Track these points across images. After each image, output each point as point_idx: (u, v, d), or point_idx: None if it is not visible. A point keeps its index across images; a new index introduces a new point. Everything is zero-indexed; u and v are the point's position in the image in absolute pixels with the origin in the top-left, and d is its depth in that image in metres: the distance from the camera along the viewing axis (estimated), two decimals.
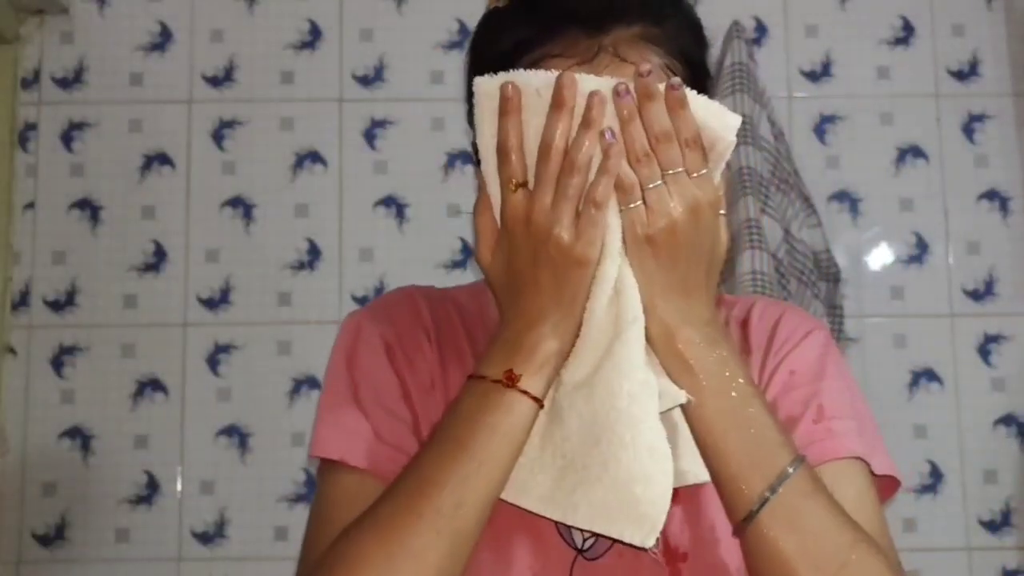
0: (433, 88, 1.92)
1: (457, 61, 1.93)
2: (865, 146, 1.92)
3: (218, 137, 1.90)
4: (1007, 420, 1.86)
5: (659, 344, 0.79)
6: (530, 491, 0.80)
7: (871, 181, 1.91)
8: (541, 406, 0.79)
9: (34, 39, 1.91)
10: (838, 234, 1.88)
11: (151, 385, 1.84)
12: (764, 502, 0.77)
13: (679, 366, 0.79)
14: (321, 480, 0.88)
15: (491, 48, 0.87)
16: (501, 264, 0.80)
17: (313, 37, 1.93)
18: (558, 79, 0.76)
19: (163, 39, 1.92)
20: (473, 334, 0.92)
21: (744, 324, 0.94)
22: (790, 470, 0.77)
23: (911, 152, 1.92)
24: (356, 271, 1.87)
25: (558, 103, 0.76)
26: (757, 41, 1.93)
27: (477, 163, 0.84)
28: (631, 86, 0.76)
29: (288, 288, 1.87)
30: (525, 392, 0.78)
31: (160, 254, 1.87)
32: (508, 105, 0.78)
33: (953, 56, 1.94)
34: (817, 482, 0.79)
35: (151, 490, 1.81)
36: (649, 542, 0.77)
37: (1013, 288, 1.89)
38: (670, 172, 0.76)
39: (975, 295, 1.89)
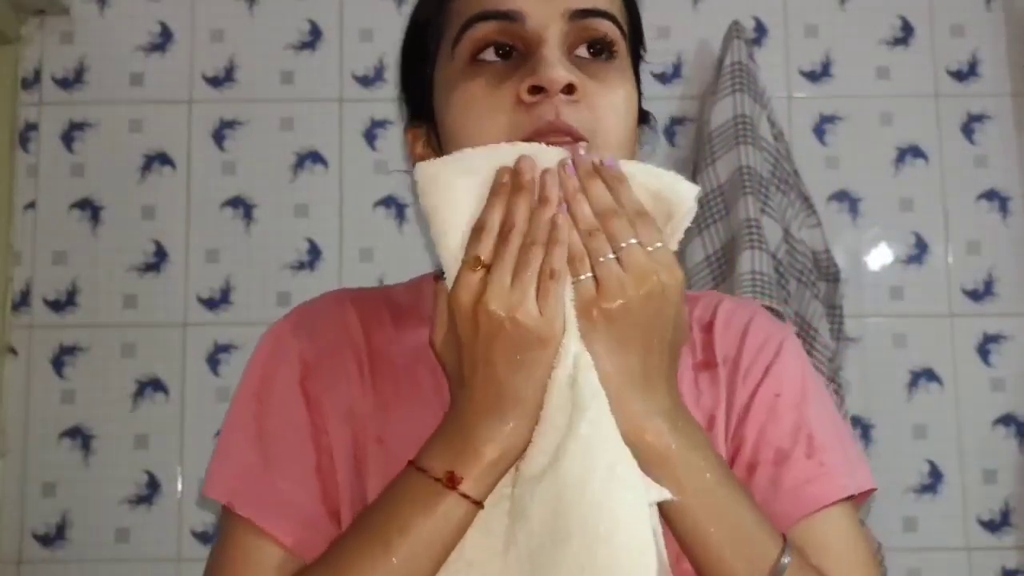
0: None
1: None
2: (865, 146, 1.92)
3: (218, 137, 1.90)
4: (1007, 420, 1.86)
5: (630, 437, 0.74)
6: None
7: (871, 181, 1.91)
8: (481, 507, 0.74)
9: (34, 39, 1.91)
10: (838, 234, 1.88)
11: (151, 385, 1.84)
12: None
13: (654, 459, 0.74)
14: (222, 522, 0.84)
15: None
16: (453, 349, 0.74)
17: (313, 37, 1.93)
18: (517, 162, 0.74)
19: (163, 39, 1.92)
20: (407, 338, 0.87)
21: (708, 328, 0.90)
22: (784, 561, 0.75)
23: (911, 152, 1.92)
24: (356, 271, 1.87)
25: (519, 185, 0.73)
26: (757, 41, 1.93)
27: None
28: (568, 162, 0.74)
29: (288, 288, 1.87)
30: (465, 496, 0.73)
31: (160, 254, 1.87)
32: (502, 191, 0.74)
33: (953, 56, 1.94)
34: (806, 568, 0.77)
35: (151, 490, 1.82)
36: None
37: (1013, 288, 1.89)
38: (623, 245, 0.72)
39: (975, 295, 1.89)
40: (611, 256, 0.72)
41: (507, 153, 0.75)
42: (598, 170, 0.74)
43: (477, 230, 0.74)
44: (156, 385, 1.84)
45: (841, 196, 1.91)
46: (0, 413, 1.82)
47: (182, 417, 1.83)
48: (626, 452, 0.73)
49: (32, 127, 1.89)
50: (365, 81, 1.92)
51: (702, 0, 1.92)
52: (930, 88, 1.94)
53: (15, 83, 1.89)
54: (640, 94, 0.88)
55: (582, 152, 0.75)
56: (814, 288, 1.75)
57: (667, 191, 0.75)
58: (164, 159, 1.89)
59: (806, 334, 1.70)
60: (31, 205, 1.88)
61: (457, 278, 0.73)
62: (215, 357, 1.85)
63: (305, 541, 0.80)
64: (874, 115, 1.93)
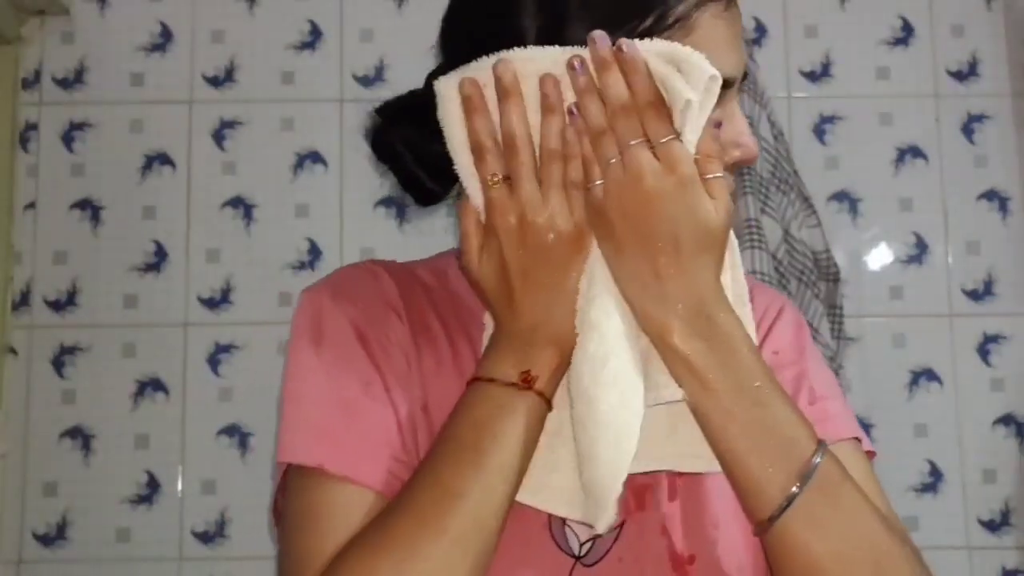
0: None
1: None
2: (864, 146, 1.92)
3: (219, 137, 1.90)
4: (1006, 420, 1.86)
5: (653, 339, 0.75)
6: (546, 493, 0.77)
7: (870, 181, 1.92)
8: (551, 408, 0.76)
9: (35, 39, 1.91)
10: (838, 234, 1.88)
11: (152, 385, 1.84)
12: (788, 502, 0.72)
13: (677, 362, 0.74)
14: (298, 489, 0.80)
15: None
16: (492, 265, 0.76)
17: (313, 38, 1.93)
18: (494, 68, 0.75)
19: (164, 39, 1.92)
20: (442, 314, 0.87)
21: None
22: (816, 460, 0.72)
23: (910, 152, 1.92)
24: None
25: (504, 93, 0.75)
26: (757, 41, 1.93)
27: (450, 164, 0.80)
28: (586, 58, 0.73)
29: (289, 288, 1.87)
30: (541, 394, 0.75)
31: (161, 254, 1.87)
32: (471, 103, 0.76)
33: (952, 56, 1.94)
34: (843, 473, 0.74)
35: (152, 490, 1.82)
36: (602, 528, 0.74)
37: (1012, 288, 1.89)
38: (631, 143, 0.72)
39: (974, 295, 1.89)
40: (617, 159, 0.72)
41: (510, 59, 0.75)
42: (616, 58, 0.73)
43: (474, 147, 0.76)
44: (156, 385, 1.84)
45: (841, 196, 1.91)
46: (0, 413, 1.82)
47: (183, 417, 1.83)
48: (625, 350, 0.74)
49: (32, 127, 1.89)
50: (365, 81, 1.92)
51: None
52: (930, 88, 1.94)
53: (15, 83, 1.89)
54: None
55: (598, 41, 0.73)
56: (814, 288, 1.75)
57: (674, 79, 0.72)
58: (164, 159, 1.89)
59: None
60: (31, 205, 1.88)
61: (489, 198, 0.75)
62: (215, 357, 1.85)
63: (397, 484, 0.78)
64: (874, 115, 1.93)
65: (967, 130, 1.93)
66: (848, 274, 1.87)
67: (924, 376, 1.87)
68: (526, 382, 0.75)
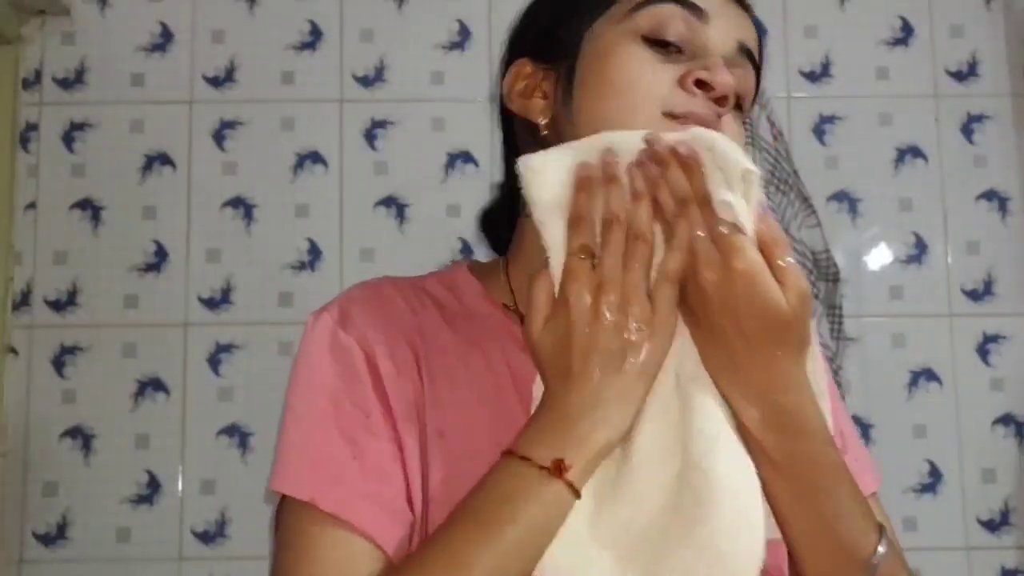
0: (433, 88, 1.92)
1: (458, 61, 1.93)
2: (864, 146, 1.92)
3: (219, 137, 1.90)
4: (1006, 420, 1.86)
5: (735, 422, 0.75)
6: (593, 570, 0.74)
7: (870, 181, 1.92)
8: (578, 497, 0.74)
9: (35, 40, 1.91)
10: (837, 234, 1.88)
11: (152, 385, 1.84)
12: None
13: (751, 444, 0.74)
14: (290, 517, 0.79)
15: None
16: (556, 336, 0.74)
17: (314, 38, 1.93)
18: (604, 155, 0.76)
19: (164, 40, 1.92)
20: (454, 327, 0.86)
21: None
22: (880, 549, 0.74)
23: (910, 152, 1.93)
24: (356, 271, 1.87)
25: (612, 176, 0.75)
26: None
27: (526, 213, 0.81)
28: (651, 154, 0.75)
29: (289, 288, 1.87)
30: (570, 484, 0.73)
31: (161, 254, 1.87)
32: (584, 184, 0.76)
33: (952, 57, 1.95)
34: (899, 554, 0.76)
35: (152, 489, 1.82)
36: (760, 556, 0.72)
37: (1012, 288, 1.89)
38: (698, 235, 0.73)
39: (974, 295, 1.89)
40: (682, 247, 0.73)
41: (601, 144, 0.77)
42: (675, 155, 0.74)
43: (576, 221, 0.75)
44: (157, 385, 1.84)
45: (841, 196, 1.91)
46: (1, 413, 1.82)
47: (183, 417, 1.83)
48: (729, 424, 0.74)
49: (33, 127, 1.89)
50: (365, 81, 1.93)
51: None
52: (930, 88, 1.94)
53: (16, 83, 1.89)
54: None
55: (657, 138, 0.75)
56: (814, 288, 1.75)
57: (720, 159, 0.75)
58: (165, 159, 1.89)
59: None
60: (32, 205, 1.88)
61: (569, 269, 0.74)
62: (216, 357, 1.85)
63: (389, 533, 0.77)
64: (874, 115, 1.93)
65: (967, 130, 1.93)
66: (848, 274, 1.87)
67: (924, 376, 1.87)
68: (558, 470, 0.73)
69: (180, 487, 1.82)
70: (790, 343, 0.73)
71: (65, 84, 1.91)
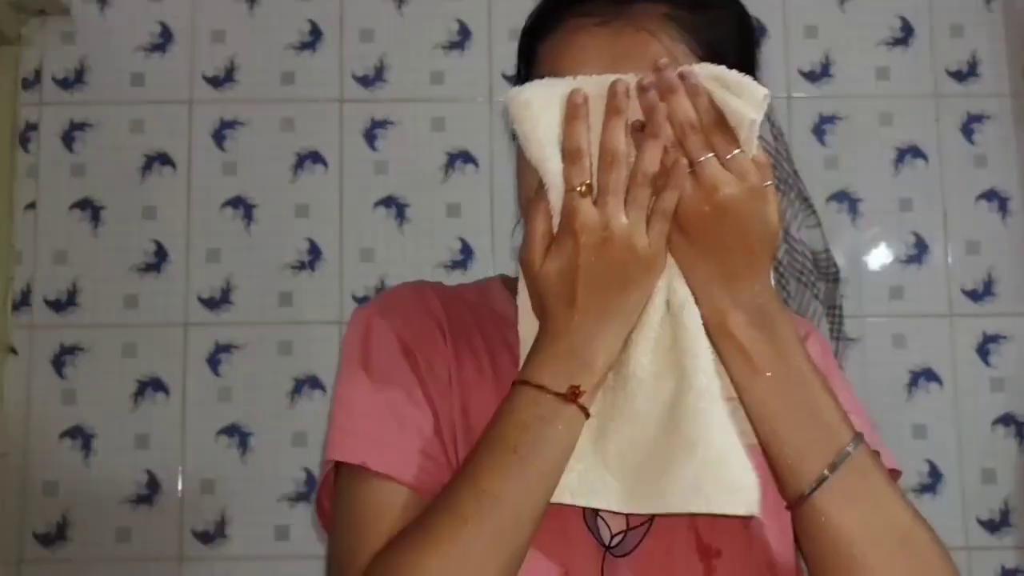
0: (433, 88, 1.92)
1: (457, 61, 1.93)
2: (864, 146, 1.92)
3: (219, 137, 1.90)
4: (1006, 420, 1.86)
5: (712, 329, 0.79)
6: (602, 492, 0.79)
7: (870, 181, 1.92)
8: (587, 418, 0.79)
9: (35, 40, 1.91)
10: (837, 234, 1.88)
11: (152, 385, 1.84)
12: (822, 480, 0.77)
13: (732, 348, 0.79)
14: (344, 485, 0.85)
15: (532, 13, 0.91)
16: (559, 266, 0.78)
17: (313, 38, 1.93)
18: (613, 85, 0.77)
19: (164, 40, 1.93)
20: (485, 329, 0.91)
21: None
22: (849, 449, 0.78)
23: (910, 152, 1.93)
24: (356, 271, 1.87)
25: (614, 110, 0.77)
26: (756, 42, 1.93)
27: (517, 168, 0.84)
28: (658, 79, 0.78)
29: (288, 288, 1.87)
30: (583, 408, 0.78)
31: (161, 254, 1.87)
32: (577, 111, 0.78)
33: (952, 57, 1.95)
34: (875, 460, 0.80)
35: (152, 490, 1.82)
36: (756, 509, 0.77)
37: (1012, 288, 1.89)
38: (700, 160, 0.76)
39: (974, 295, 1.89)
40: (688, 172, 0.77)
41: (593, 80, 0.79)
42: (681, 84, 0.77)
43: (572, 154, 0.77)
44: (157, 385, 1.84)
45: (841, 196, 1.91)
46: (0, 413, 1.82)
47: (183, 417, 1.83)
48: (712, 355, 0.79)
49: (32, 127, 1.89)
50: (365, 81, 1.93)
51: None
52: (930, 88, 1.94)
53: (16, 83, 1.89)
54: None
55: (664, 67, 0.78)
56: (814, 288, 1.75)
57: (733, 100, 0.77)
58: (164, 159, 1.89)
59: None
60: (32, 205, 1.88)
61: (573, 204, 0.77)
62: (216, 357, 1.85)
63: (434, 481, 0.82)
64: (874, 115, 1.93)
65: (967, 130, 1.93)
66: (848, 274, 1.87)
67: (924, 376, 1.87)
68: (573, 395, 0.77)
69: (180, 487, 1.82)
70: (773, 255, 0.80)
71: (65, 84, 1.91)
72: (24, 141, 1.89)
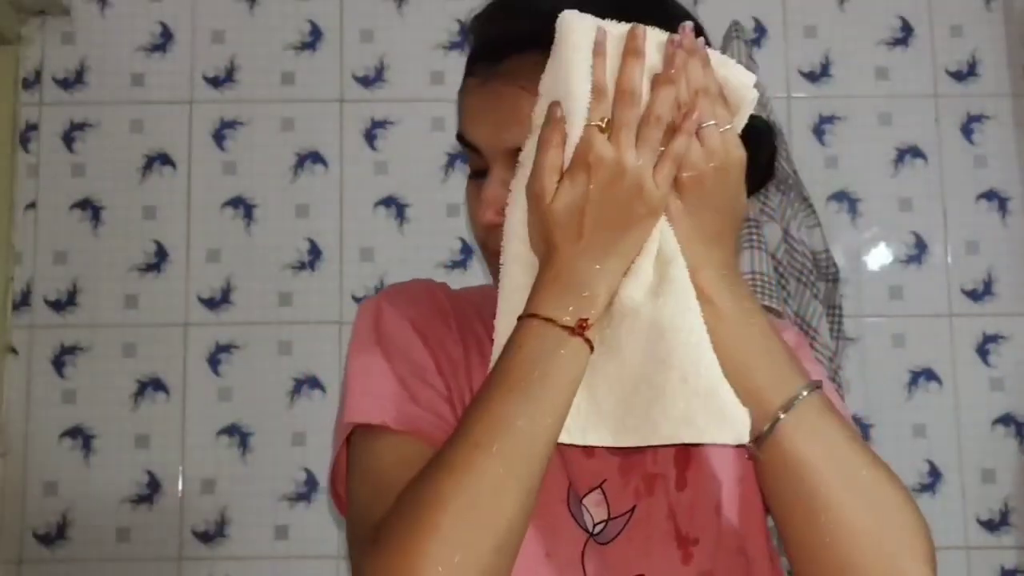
0: (433, 88, 1.92)
1: (457, 61, 1.92)
2: (864, 146, 1.92)
3: (219, 137, 1.90)
4: (1006, 420, 1.86)
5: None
6: (595, 429, 0.81)
7: (870, 181, 1.92)
8: (592, 349, 0.80)
9: (35, 40, 1.91)
10: (837, 234, 1.88)
11: (152, 385, 1.84)
12: (776, 421, 0.79)
13: (700, 299, 0.81)
14: (362, 448, 0.86)
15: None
16: (572, 197, 0.79)
17: (314, 38, 1.93)
18: (632, 29, 0.80)
19: (164, 40, 1.93)
20: (486, 318, 0.91)
21: None
22: (804, 393, 0.80)
23: (910, 152, 1.93)
24: (356, 271, 1.88)
25: (635, 51, 0.79)
26: (756, 42, 1.93)
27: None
28: (683, 39, 0.81)
29: (288, 288, 1.87)
30: (588, 341, 0.79)
31: (161, 254, 1.87)
32: (601, 48, 0.80)
33: (952, 57, 1.95)
34: (831, 404, 0.82)
35: (152, 489, 1.82)
36: (745, 438, 0.78)
37: (1012, 288, 1.89)
38: (705, 124, 0.79)
39: (974, 295, 1.89)
40: (693, 133, 0.80)
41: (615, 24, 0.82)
42: (698, 51, 0.81)
43: (599, 91, 0.79)
44: (157, 385, 1.84)
45: (841, 196, 1.91)
46: (1, 413, 1.82)
47: (183, 417, 1.83)
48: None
49: (33, 127, 1.90)
50: (365, 81, 1.93)
51: (702, 1, 1.92)
52: (929, 88, 1.94)
53: (16, 83, 1.89)
54: None
55: (689, 32, 0.81)
56: (814, 288, 1.75)
57: (732, 79, 0.84)
58: (165, 159, 1.90)
59: (806, 334, 1.70)
60: (32, 205, 1.88)
61: (591, 138, 0.78)
62: (216, 357, 1.85)
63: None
64: (873, 115, 1.93)
65: (967, 130, 1.93)
66: (848, 274, 1.87)
67: (923, 376, 1.87)
68: (581, 328, 0.79)
69: (180, 487, 1.82)
70: (740, 226, 0.86)
71: (65, 84, 1.91)
72: (24, 141, 1.89)
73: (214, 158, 1.90)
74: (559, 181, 0.79)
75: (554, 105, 0.80)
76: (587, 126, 0.79)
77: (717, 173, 0.80)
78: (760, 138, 0.88)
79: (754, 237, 1.67)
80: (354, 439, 0.87)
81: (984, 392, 1.87)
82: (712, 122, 0.80)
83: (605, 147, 0.78)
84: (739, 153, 0.81)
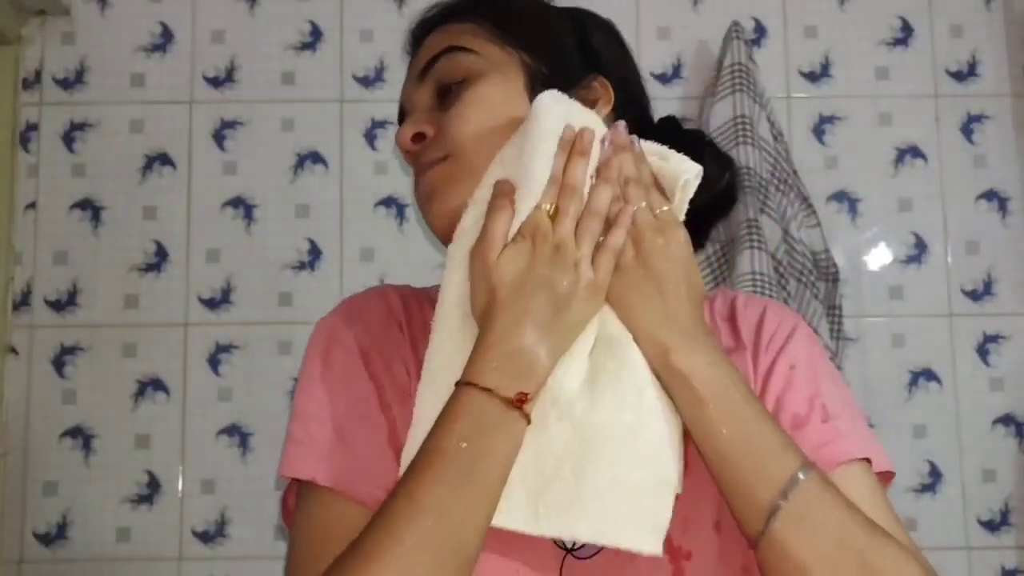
0: None
1: None
2: (864, 146, 1.92)
3: (219, 137, 1.90)
4: (1006, 420, 1.87)
5: (656, 363, 0.81)
6: (514, 512, 0.77)
7: (870, 181, 1.92)
8: (529, 424, 0.78)
9: (35, 40, 1.91)
10: (837, 234, 1.88)
11: (152, 385, 1.84)
12: (776, 511, 0.77)
13: (678, 382, 0.80)
14: (301, 497, 0.85)
15: None
16: (512, 266, 0.80)
17: (314, 38, 1.93)
18: (580, 131, 0.85)
19: (164, 40, 1.93)
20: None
21: (731, 318, 0.96)
22: (800, 476, 0.77)
23: (910, 152, 1.93)
24: (356, 271, 1.88)
25: (580, 150, 0.84)
26: (756, 42, 1.93)
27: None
28: (615, 137, 0.87)
29: (288, 288, 1.87)
30: (527, 416, 0.77)
31: (161, 254, 1.87)
32: (566, 145, 0.85)
33: (952, 57, 1.95)
34: (826, 483, 0.79)
35: (152, 489, 1.82)
36: (659, 550, 0.77)
37: (1011, 288, 1.89)
38: (637, 208, 0.84)
39: (974, 295, 1.89)
40: (628, 225, 0.84)
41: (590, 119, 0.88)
42: (630, 145, 0.87)
43: (556, 181, 0.84)
44: (157, 385, 1.84)
45: (840, 196, 1.91)
46: (1, 413, 1.82)
47: (183, 417, 1.83)
48: (652, 380, 0.81)
49: (33, 127, 1.90)
50: (365, 81, 1.93)
51: (702, 1, 1.92)
52: (929, 88, 1.94)
53: (16, 83, 1.89)
54: (553, 56, 0.96)
55: (621, 130, 0.87)
56: (813, 288, 1.75)
57: (667, 168, 0.87)
58: (165, 159, 1.90)
59: None
60: (32, 205, 1.88)
61: (538, 217, 0.82)
62: (216, 357, 1.85)
63: (379, 497, 0.81)
64: (873, 115, 1.93)
65: (966, 130, 1.93)
66: (848, 274, 1.87)
67: (923, 376, 1.87)
68: (520, 402, 0.77)
69: (180, 487, 1.82)
70: (701, 300, 0.86)
71: (65, 84, 1.91)
72: (24, 141, 1.89)
73: (214, 158, 1.90)
74: (504, 248, 0.81)
75: (503, 182, 0.84)
76: (537, 207, 0.82)
77: (656, 250, 0.82)
78: (713, 171, 0.91)
79: (754, 237, 1.67)
80: (291, 484, 0.88)
81: (984, 392, 1.87)
82: (643, 204, 0.84)
83: (550, 228, 0.82)
84: (674, 232, 0.84)
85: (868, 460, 0.88)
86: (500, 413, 0.76)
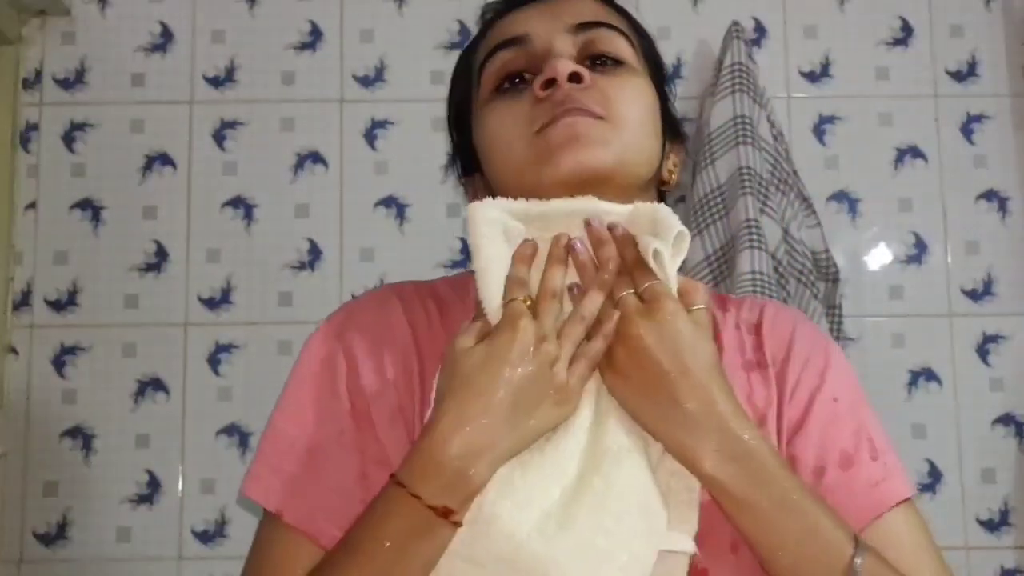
0: (433, 88, 1.92)
1: None
2: (864, 146, 1.92)
3: (219, 137, 1.90)
4: (1005, 420, 1.87)
5: (688, 469, 0.78)
6: None
7: (870, 181, 1.92)
8: (460, 526, 0.76)
9: (36, 40, 1.91)
10: (837, 234, 1.88)
11: (152, 384, 1.84)
12: None
13: (715, 488, 0.78)
14: (264, 521, 0.85)
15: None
16: (485, 353, 0.77)
17: (314, 38, 1.93)
18: (555, 238, 0.82)
19: (164, 40, 1.93)
20: (448, 322, 0.89)
21: (757, 330, 0.93)
22: (857, 561, 0.76)
23: (910, 152, 1.93)
24: (356, 271, 1.88)
25: (557, 257, 0.81)
26: (756, 42, 1.93)
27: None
28: (584, 240, 0.82)
29: (288, 288, 1.87)
30: (455, 523, 0.75)
31: (161, 254, 1.87)
32: (524, 259, 0.82)
33: (952, 57, 1.95)
34: (882, 564, 0.78)
35: (152, 489, 1.82)
36: None
37: (1011, 288, 1.89)
38: (621, 296, 0.80)
39: (973, 295, 1.89)
40: (609, 336, 0.79)
41: (550, 208, 0.83)
42: (609, 236, 0.82)
43: (517, 283, 0.80)
44: (157, 385, 1.84)
45: (840, 196, 1.91)
46: (0, 413, 1.82)
47: (183, 417, 1.83)
48: (640, 503, 0.76)
49: (33, 127, 1.90)
50: (365, 81, 1.93)
51: (702, 0, 1.92)
52: (929, 88, 1.94)
53: (16, 83, 1.89)
54: (668, 109, 0.95)
55: (596, 226, 0.82)
56: (813, 288, 1.75)
57: (644, 238, 0.82)
58: (165, 159, 1.90)
59: None
60: (32, 205, 1.88)
61: (516, 308, 0.78)
62: (216, 357, 1.85)
63: (333, 535, 0.82)
64: (873, 115, 1.93)
65: (966, 130, 1.93)
66: (847, 274, 1.87)
67: (923, 376, 1.87)
68: (445, 514, 0.75)
69: (180, 487, 1.82)
70: (718, 368, 0.79)
71: (65, 84, 1.91)
72: (24, 141, 1.89)
73: (214, 158, 1.90)
74: (480, 339, 0.78)
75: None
76: (511, 301, 0.79)
77: (652, 337, 0.77)
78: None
79: (754, 237, 1.67)
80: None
81: (984, 392, 1.87)
82: (629, 291, 0.80)
83: (530, 321, 0.77)
84: (667, 306, 0.78)
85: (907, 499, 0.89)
86: (426, 519, 0.74)
